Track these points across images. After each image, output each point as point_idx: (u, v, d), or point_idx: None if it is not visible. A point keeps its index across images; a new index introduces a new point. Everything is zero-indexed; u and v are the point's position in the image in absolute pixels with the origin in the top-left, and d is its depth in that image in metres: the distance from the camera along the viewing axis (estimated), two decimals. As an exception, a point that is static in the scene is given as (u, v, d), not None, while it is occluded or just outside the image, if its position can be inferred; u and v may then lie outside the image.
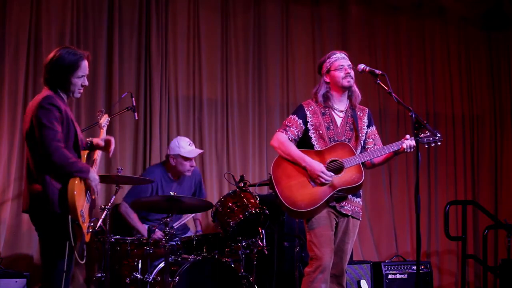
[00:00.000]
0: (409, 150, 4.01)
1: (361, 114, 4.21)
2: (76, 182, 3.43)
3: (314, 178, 3.99)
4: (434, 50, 7.64)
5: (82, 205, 3.48)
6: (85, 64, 3.63)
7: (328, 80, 4.14)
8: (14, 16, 5.67)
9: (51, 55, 3.59)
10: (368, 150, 4.14)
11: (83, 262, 3.61)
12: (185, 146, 5.40)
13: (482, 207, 6.90)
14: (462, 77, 7.73)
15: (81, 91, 3.67)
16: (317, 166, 3.99)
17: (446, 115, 7.60)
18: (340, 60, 4.12)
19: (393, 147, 4.04)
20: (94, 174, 3.58)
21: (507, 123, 7.81)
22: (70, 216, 3.39)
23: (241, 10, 6.72)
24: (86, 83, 3.67)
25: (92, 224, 3.64)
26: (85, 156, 3.70)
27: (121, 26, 6.10)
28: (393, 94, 3.91)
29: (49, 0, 5.82)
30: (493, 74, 7.88)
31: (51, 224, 3.44)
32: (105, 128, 4.11)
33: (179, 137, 5.63)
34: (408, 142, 4.02)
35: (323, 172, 3.97)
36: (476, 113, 7.75)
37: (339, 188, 3.99)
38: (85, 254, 3.65)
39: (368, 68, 4.06)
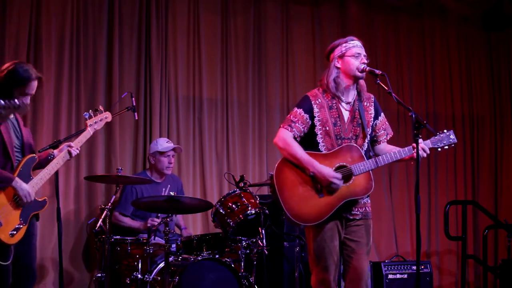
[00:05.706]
0: (424, 155, 3.80)
1: (367, 105, 3.99)
2: None
3: (324, 185, 3.75)
4: (434, 50, 7.64)
5: None
6: (34, 84, 3.83)
7: (339, 65, 3.89)
8: (14, 16, 5.66)
9: (5, 66, 3.80)
10: (380, 154, 3.91)
11: (5, 264, 3.74)
12: (162, 143, 5.62)
13: (482, 207, 6.90)
14: (462, 77, 7.73)
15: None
16: (328, 171, 3.74)
17: (446, 115, 7.59)
18: (358, 48, 3.88)
19: (405, 152, 3.84)
20: (19, 183, 3.74)
21: (507, 123, 7.80)
22: None
23: (241, 10, 6.72)
24: (28, 102, 3.86)
25: (21, 226, 3.79)
26: (24, 160, 3.85)
27: (121, 26, 6.10)
28: (393, 94, 3.84)
29: (49, 0, 5.82)
30: (493, 74, 7.87)
31: None
32: (91, 128, 4.22)
33: (158, 138, 5.83)
34: (420, 146, 3.77)
35: (335, 177, 3.73)
36: (476, 113, 7.75)
37: (347, 200, 3.79)
38: (10, 256, 3.78)
39: (368, 68, 3.88)
